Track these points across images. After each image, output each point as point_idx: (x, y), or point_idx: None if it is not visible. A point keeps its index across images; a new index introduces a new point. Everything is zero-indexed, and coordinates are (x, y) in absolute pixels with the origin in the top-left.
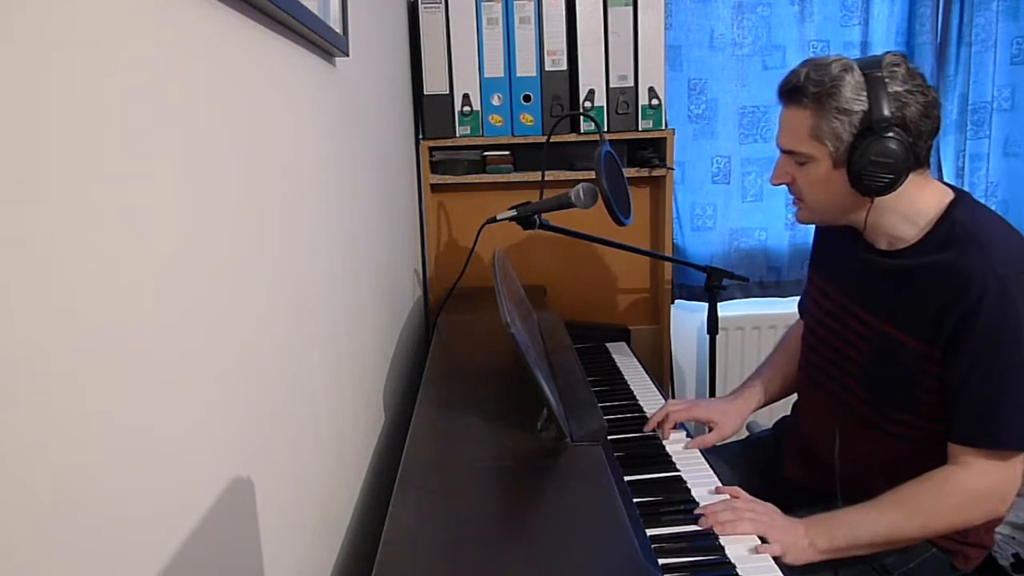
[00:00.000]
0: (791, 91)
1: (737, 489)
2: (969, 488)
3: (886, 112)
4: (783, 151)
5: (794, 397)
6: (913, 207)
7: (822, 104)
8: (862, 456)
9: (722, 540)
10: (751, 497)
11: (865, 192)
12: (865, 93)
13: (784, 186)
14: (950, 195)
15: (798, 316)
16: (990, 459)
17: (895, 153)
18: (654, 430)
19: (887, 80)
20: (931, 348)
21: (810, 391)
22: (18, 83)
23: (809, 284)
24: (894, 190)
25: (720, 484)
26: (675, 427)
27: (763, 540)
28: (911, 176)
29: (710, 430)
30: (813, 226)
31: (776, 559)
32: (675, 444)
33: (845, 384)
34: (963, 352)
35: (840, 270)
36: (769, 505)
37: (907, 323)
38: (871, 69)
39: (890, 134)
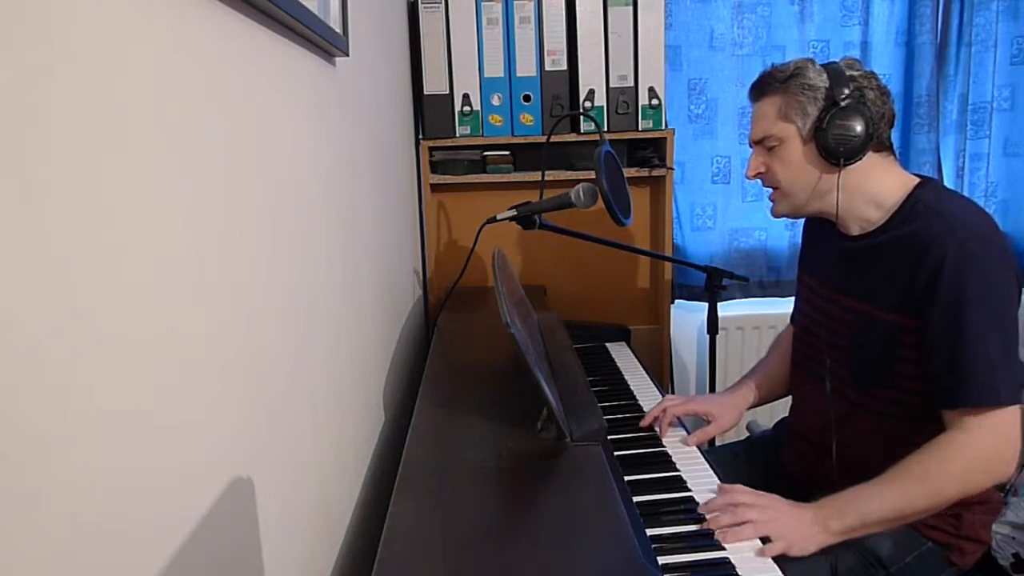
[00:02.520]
0: (760, 84)
1: (736, 486)
2: (970, 451)
3: (846, 90)
4: (755, 144)
5: None
6: (879, 190)
7: (788, 85)
8: (856, 439)
9: (725, 546)
10: (750, 490)
11: (833, 158)
12: (826, 75)
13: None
14: (915, 180)
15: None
16: (980, 418)
17: (858, 120)
18: (651, 427)
19: (844, 69)
20: (904, 318)
21: (802, 383)
22: (18, 83)
23: (799, 285)
24: (861, 156)
25: (720, 483)
26: (673, 424)
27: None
28: (876, 158)
29: (708, 423)
30: None
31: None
32: (674, 441)
33: (832, 370)
34: (932, 316)
35: (821, 262)
36: (772, 497)
37: (880, 298)
38: (829, 64)
39: (851, 104)
